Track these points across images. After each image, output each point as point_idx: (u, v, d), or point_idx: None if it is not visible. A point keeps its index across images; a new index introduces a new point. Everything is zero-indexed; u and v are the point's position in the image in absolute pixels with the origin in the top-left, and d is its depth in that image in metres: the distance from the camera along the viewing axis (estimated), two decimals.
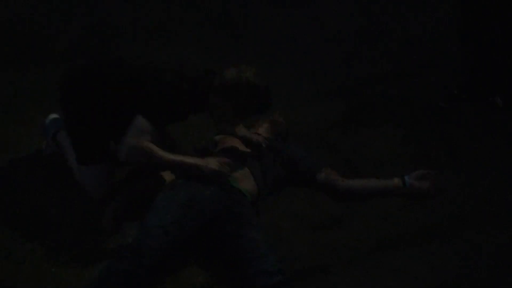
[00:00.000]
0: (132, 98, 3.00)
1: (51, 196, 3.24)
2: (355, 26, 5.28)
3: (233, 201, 2.96)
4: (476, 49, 4.07)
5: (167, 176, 3.16)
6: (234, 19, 5.51)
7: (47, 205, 3.19)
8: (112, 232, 3.01)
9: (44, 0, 5.53)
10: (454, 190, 3.42)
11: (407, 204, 3.30)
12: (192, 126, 3.68)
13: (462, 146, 3.82)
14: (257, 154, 3.24)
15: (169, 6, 5.65)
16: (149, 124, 2.93)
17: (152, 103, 2.96)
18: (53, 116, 3.50)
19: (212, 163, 3.00)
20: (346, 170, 3.49)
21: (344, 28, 5.20)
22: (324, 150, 3.73)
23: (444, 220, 3.22)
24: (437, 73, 4.57)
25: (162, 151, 2.96)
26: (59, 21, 5.24)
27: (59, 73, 4.24)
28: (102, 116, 3.08)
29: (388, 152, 3.76)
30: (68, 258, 2.86)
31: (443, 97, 4.23)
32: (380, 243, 3.04)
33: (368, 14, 5.44)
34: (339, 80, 4.56)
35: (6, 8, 5.30)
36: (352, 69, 4.73)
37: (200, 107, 3.12)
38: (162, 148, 2.97)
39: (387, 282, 2.82)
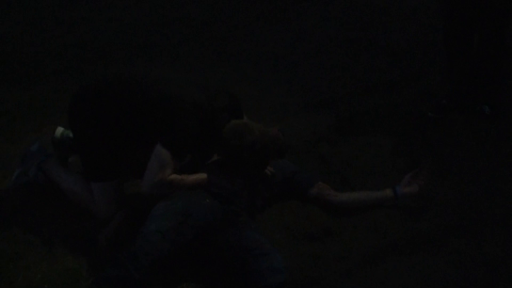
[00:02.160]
0: (152, 123, 3.01)
1: (43, 214, 3.24)
2: (341, 38, 5.32)
3: (229, 211, 2.99)
4: (460, 59, 4.11)
5: None
6: (220, 34, 5.54)
7: (39, 222, 3.18)
8: (106, 250, 3.00)
9: (32, 20, 5.56)
10: (444, 199, 3.44)
11: (397, 214, 3.32)
12: None
13: (451, 156, 3.84)
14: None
15: (155, 23, 5.68)
16: (171, 156, 2.94)
17: (176, 134, 2.96)
18: (37, 145, 3.43)
19: None
20: (336, 182, 3.52)
21: (330, 41, 5.24)
22: (314, 162, 3.75)
23: (434, 229, 3.23)
24: (424, 83, 4.61)
25: (181, 179, 3.00)
26: (48, 40, 5.25)
27: (47, 89, 4.31)
28: (116, 134, 3.08)
29: (377, 162, 3.78)
30: (60, 273, 2.85)
31: (432, 107, 4.26)
32: (371, 254, 3.04)
33: (354, 26, 5.49)
34: (327, 92, 4.59)
35: None
36: (340, 81, 4.76)
37: (210, 144, 3.16)
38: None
39: None
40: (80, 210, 3.22)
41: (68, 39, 5.33)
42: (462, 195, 3.48)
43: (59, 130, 3.48)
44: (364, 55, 5.15)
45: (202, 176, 3.08)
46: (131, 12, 5.89)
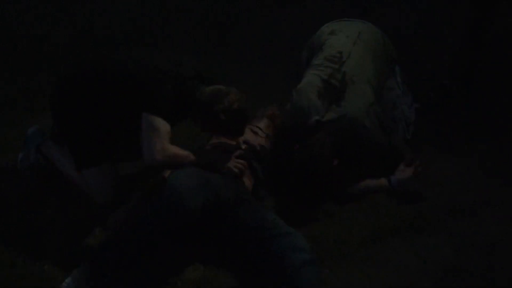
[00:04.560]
0: (132, 98, 2.99)
1: (41, 199, 3.25)
2: None
3: (241, 189, 3.00)
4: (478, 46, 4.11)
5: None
6: (222, 21, 5.52)
7: (37, 208, 3.19)
8: None
9: (33, 7, 5.55)
10: (444, 181, 3.45)
11: (397, 196, 3.33)
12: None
13: (453, 139, 3.84)
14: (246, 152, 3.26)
15: (158, 9, 5.67)
16: (166, 123, 2.93)
17: (160, 104, 2.95)
18: (34, 128, 3.45)
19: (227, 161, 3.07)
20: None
21: None
22: None
23: (434, 211, 3.23)
24: (427, 67, 4.59)
25: (185, 152, 2.99)
26: (47, 26, 5.25)
27: (48, 76, 4.30)
28: (99, 117, 3.08)
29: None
30: (59, 257, 2.86)
31: (434, 89, 4.24)
32: (370, 235, 3.05)
33: (356, 10, 5.45)
34: None
35: None
36: None
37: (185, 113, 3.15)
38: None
39: (379, 274, 2.83)
40: (82, 194, 3.24)
41: (69, 26, 5.32)
42: (464, 178, 3.49)
43: None
44: None
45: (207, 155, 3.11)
46: None
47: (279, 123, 3.57)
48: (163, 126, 2.91)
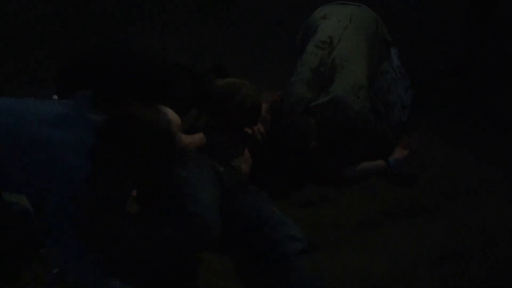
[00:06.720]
0: (144, 87, 2.94)
1: None
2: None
3: (240, 177, 2.99)
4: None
5: None
6: (220, 2, 5.49)
7: None
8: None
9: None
10: (439, 166, 3.46)
11: (393, 180, 3.34)
12: None
13: (449, 123, 3.85)
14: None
15: None
16: (177, 116, 2.86)
17: (175, 98, 2.92)
18: None
19: None
20: None
21: None
22: None
23: (430, 195, 3.25)
24: (422, 48, 4.57)
25: (193, 139, 3.00)
26: (45, 6, 5.21)
27: (45, 56, 4.29)
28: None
29: None
30: None
31: (429, 72, 4.23)
32: (366, 219, 3.07)
33: None
34: None
35: None
36: None
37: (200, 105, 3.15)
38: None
39: (374, 258, 2.84)
40: None
41: (66, 5, 5.28)
42: (459, 162, 3.50)
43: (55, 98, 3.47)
44: None
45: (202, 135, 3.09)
46: None
47: (277, 109, 3.57)
48: (174, 118, 2.87)
